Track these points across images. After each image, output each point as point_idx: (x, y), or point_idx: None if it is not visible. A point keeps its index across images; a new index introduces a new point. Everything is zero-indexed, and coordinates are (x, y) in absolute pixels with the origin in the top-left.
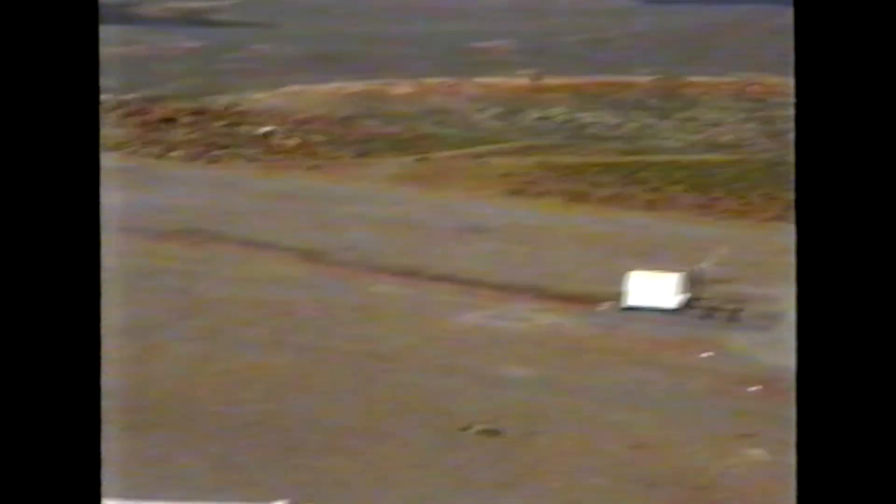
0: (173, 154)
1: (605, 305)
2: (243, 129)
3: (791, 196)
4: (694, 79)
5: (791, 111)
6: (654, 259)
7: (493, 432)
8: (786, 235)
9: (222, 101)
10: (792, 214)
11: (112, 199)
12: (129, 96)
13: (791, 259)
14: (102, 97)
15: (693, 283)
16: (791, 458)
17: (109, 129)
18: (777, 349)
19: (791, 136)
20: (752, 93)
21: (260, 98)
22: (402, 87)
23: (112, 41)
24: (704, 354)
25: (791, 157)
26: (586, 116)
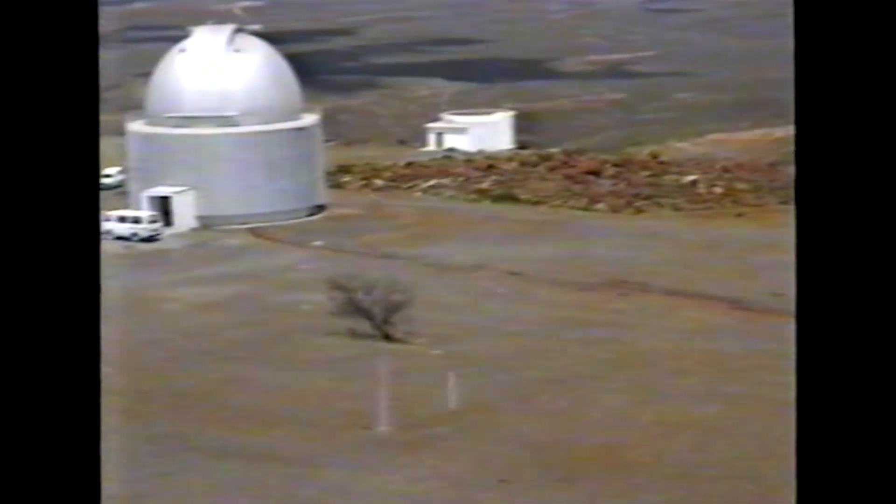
0: (598, 206)
1: None
2: (667, 178)
3: None
4: None
5: None
6: None
7: None
8: None
9: (645, 151)
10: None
11: (538, 251)
12: (554, 150)
13: None
14: (528, 152)
15: None
16: None
17: (535, 183)
18: None
19: None
20: None
21: (682, 147)
22: None
23: (535, 96)
24: None
25: None
26: None
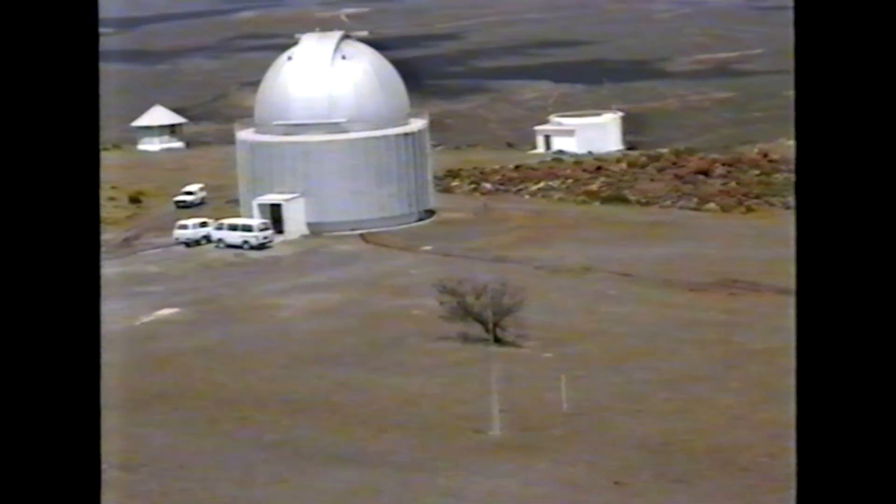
0: (708, 205)
1: None
2: (777, 177)
3: None
4: None
5: None
6: None
7: None
8: None
9: (755, 149)
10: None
11: (649, 252)
12: (663, 150)
13: None
14: (636, 153)
15: None
16: None
17: (645, 184)
18: None
19: None
20: None
21: (792, 145)
22: None
23: (643, 97)
24: None
25: None
26: None
